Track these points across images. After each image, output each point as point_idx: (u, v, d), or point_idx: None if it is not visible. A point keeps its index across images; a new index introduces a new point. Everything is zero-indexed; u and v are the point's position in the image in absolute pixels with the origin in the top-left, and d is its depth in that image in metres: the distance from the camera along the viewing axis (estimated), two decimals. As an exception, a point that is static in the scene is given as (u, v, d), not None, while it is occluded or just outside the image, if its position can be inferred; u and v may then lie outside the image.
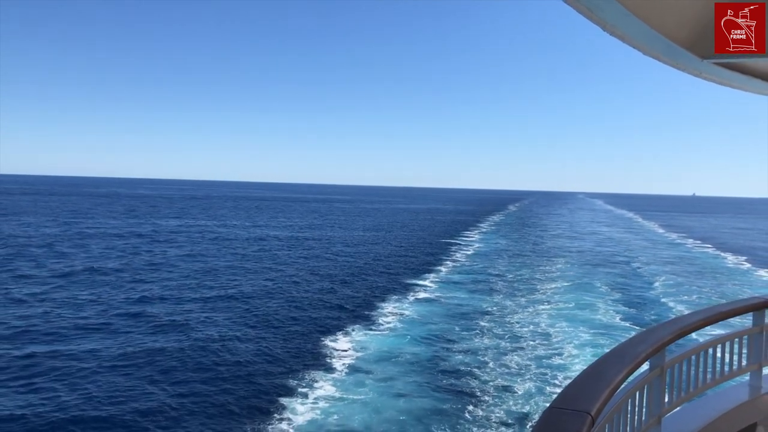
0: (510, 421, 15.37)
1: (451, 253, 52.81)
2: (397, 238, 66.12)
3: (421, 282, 36.65)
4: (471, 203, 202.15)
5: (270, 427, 14.88)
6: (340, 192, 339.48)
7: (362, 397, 16.94)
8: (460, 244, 60.43)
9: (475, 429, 14.92)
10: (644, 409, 3.96)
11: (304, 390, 17.35)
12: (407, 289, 34.26)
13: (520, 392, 17.43)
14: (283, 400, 16.53)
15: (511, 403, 16.68)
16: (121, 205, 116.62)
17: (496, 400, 16.86)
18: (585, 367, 3.26)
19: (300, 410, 15.90)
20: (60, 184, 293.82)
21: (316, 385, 17.81)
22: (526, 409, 16.20)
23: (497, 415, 15.77)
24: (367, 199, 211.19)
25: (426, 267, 43.12)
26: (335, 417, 15.49)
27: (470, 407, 16.29)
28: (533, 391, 17.51)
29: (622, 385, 3.29)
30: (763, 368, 5.59)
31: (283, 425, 14.95)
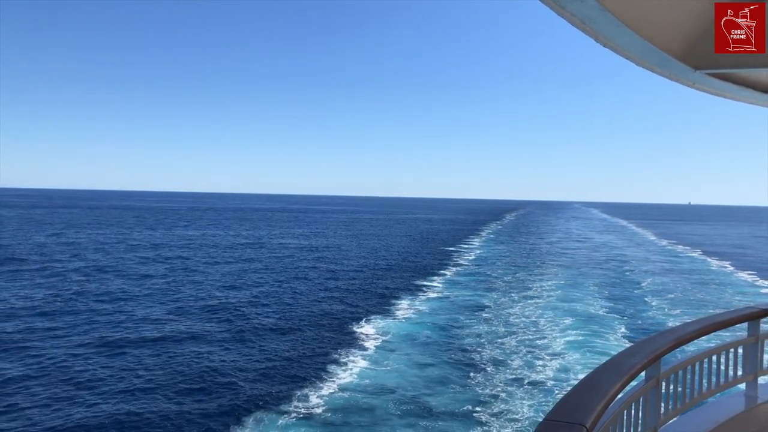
0: (508, 379, 20.14)
1: (456, 258, 57.95)
2: (407, 246, 71.21)
3: (430, 283, 41.79)
4: (473, 213, 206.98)
5: (321, 384, 19.77)
6: (352, 203, 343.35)
7: (388, 367, 21.82)
8: (463, 250, 65.51)
9: (479, 390, 19.68)
10: (640, 421, 3.96)
11: (344, 362, 22.28)
12: (419, 288, 39.50)
13: (514, 365, 22.21)
14: (329, 367, 21.52)
15: (505, 372, 21.47)
16: (134, 217, 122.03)
17: (492, 369, 21.68)
18: (580, 379, 3.26)
19: (341, 375, 20.77)
20: (62, 197, 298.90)
21: (351, 358, 22.71)
22: (516, 375, 20.97)
23: (493, 380, 20.53)
24: (383, 211, 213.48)
25: (434, 270, 48.43)
26: (368, 380, 20.33)
27: (472, 374, 21.15)
28: (522, 363, 22.29)
29: (618, 397, 3.29)
30: (759, 378, 5.56)
31: (330, 384, 19.83)
